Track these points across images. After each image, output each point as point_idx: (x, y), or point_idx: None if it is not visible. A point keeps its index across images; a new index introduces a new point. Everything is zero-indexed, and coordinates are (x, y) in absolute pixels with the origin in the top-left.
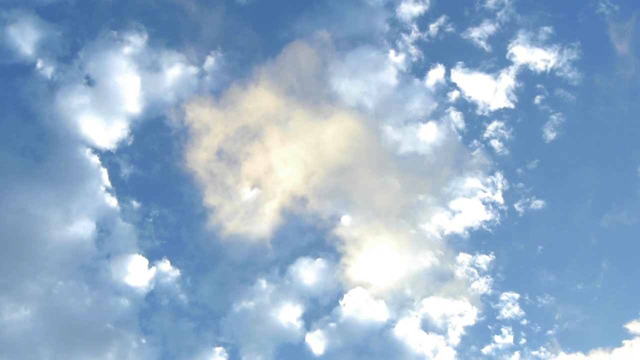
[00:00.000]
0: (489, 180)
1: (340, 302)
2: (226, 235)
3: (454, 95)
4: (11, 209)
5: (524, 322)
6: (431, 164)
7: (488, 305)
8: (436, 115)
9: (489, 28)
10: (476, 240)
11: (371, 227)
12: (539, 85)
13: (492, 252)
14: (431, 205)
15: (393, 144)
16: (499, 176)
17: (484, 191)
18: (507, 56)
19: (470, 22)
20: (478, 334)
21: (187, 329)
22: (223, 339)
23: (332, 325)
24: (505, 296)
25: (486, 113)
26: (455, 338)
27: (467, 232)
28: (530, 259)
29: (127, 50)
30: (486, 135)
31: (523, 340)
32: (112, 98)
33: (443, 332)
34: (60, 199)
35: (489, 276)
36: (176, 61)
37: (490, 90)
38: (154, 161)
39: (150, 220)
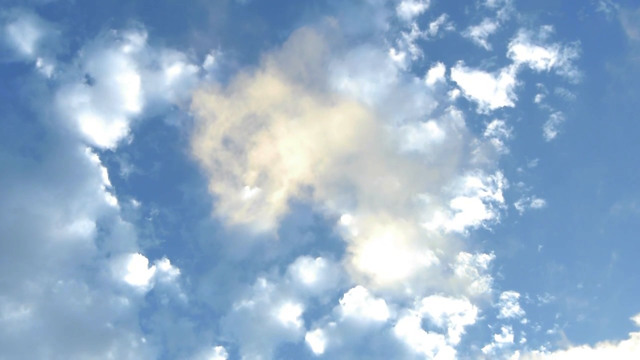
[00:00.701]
0: (489, 179)
1: (340, 301)
2: (231, 226)
3: (454, 94)
4: (11, 208)
5: (524, 321)
6: (431, 163)
7: (488, 304)
8: (436, 114)
9: (489, 27)
10: (476, 239)
11: (371, 226)
12: (539, 84)
13: (493, 251)
14: (431, 204)
15: (393, 142)
16: (499, 175)
17: (485, 190)
18: (508, 55)
19: (470, 21)
20: (478, 333)
21: (187, 328)
22: (223, 338)
23: (332, 324)
24: (505, 295)
25: (486, 112)
26: (455, 337)
27: (467, 231)
28: (530, 258)
29: (127, 49)
30: (486, 134)
31: (523, 340)
32: (112, 97)
33: (443, 331)
34: (60, 198)
35: (489, 275)
36: (176, 60)
37: (490, 89)
38: (154, 160)
39: (150, 219)
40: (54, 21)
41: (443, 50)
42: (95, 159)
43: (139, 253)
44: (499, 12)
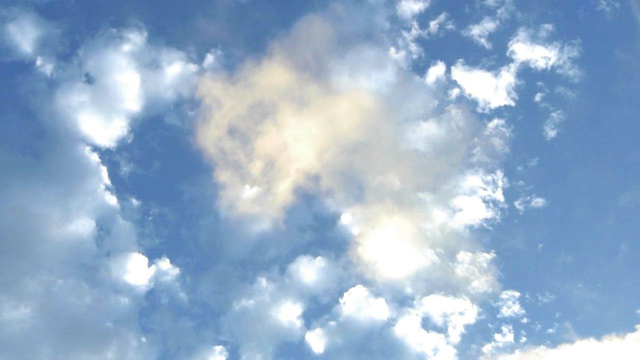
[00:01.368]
0: (489, 178)
1: (340, 301)
2: (236, 216)
3: (454, 92)
4: (10, 207)
5: (525, 320)
6: (431, 162)
7: (488, 303)
8: (436, 113)
9: (489, 25)
10: (477, 238)
11: (371, 225)
12: (539, 83)
13: (493, 251)
14: (431, 202)
15: (393, 141)
16: (499, 174)
17: (485, 189)
18: (508, 53)
19: (470, 20)
20: (478, 333)
21: (186, 328)
22: (223, 338)
23: (332, 323)
24: (505, 294)
25: (487, 111)
26: (455, 336)
27: (467, 230)
28: (530, 257)
29: (126, 47)
30: (486, 132)
31: (523, 339)
32: (111, 96)
33: (443, 330)
34: (59, 197)
35: (489, 274)
36: (176, 59)
37: (490, 88)
38: (153, 159)
39: (150, 218)
40: (53, 20)
41: (443, 49)
42: (95, 158)
43: (138, 252)
44: (499, 11)
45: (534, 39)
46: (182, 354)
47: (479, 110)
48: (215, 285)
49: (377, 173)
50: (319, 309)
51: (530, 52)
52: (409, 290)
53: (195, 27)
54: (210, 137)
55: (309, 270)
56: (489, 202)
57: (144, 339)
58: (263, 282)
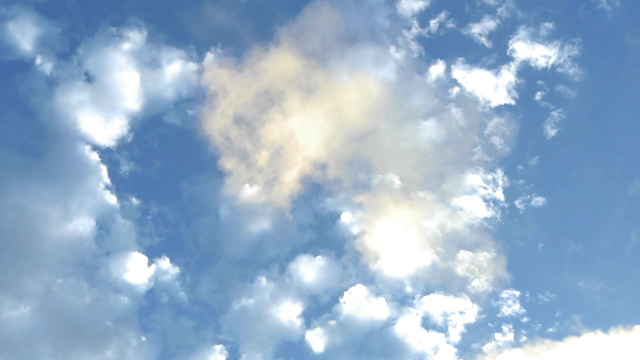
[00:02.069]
0: (489, 177)
1: (341, 300)
2: (242, 205)
3: (454, 91)
4: (10, 206)
5: (525, 319)
6: (431, 161)
7: (488, 302)
8: (437, 112)
9: (489, 24)
10: (477, 237)
11: (371, 224)
12: (539, 82)
13: (493, 250)
14: (432, 201)
15: (393, 140)
16: (499, 173)
17: (485, 188)
18: (508, 52)
19: (470, 18)
20: (479, 332)
21: (186, 327)
22: (223, 337)
23: (332, 323)
24: (505, 294)
25: (487, 109)
26: (455, 336)
27: (467, 229)
28: (530, 256)
29: (126, 46)
30: (487, 131)
31: (524, 338)
32: (111, 95)
33: (443, 329)
34: (59, 196)
35: (489, 273)
36: (176, 57)
37: (491, 87)
38: (153, 158)
39: (150, 217)
40: (53, 19)
41: (443, 48)
42: (94, 156)
43: (138, 251)
44: (499, 10)
45: (535, 37)
46: (182, 353)
47: (480, 109)
48: (215, 284)
49: (377, 172)
50: (319, 308)
51: (531, 50)
52: (409, 289)
53: (197, 22)
54: (215, 125)
55: (309, 269)
56: (489, 201)
57: (143, 338)
58: (263, 281)
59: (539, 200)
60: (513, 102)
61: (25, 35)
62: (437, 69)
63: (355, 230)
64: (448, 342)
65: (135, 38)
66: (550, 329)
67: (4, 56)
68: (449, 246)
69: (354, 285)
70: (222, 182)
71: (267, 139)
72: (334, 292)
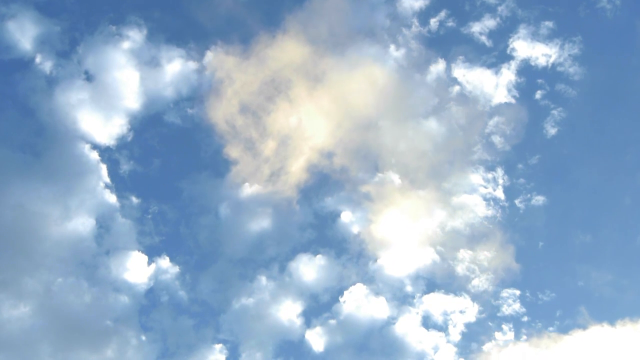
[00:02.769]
0: (489, 176)
1: (341, 299)
2: (244, 200)
3: (454, 90)
4: (10, 205)
5: (525, 318)
6: (431, 160)
7: (489, 301)
8: (437, 111)
9: (489, 23)
10: (477, 236)
11: (371, 224)
12: (540, 80)
13: (493, 249)
14: (432, 200)
15: (393, 138)
16: (500, 172)
17: (485, 187)
18: (508, 51)
19: (471, 17)
20: (479, 331)
21: (186, 326)
22: (223, 336)
23: (332, 322)
24: (506, 293)
25: (487, 108)
26: (455, 335)
27: (468, 228)
28: (531, 255)
29: (126, 45)
30: (487, 130)
31: (524, 337)
32: (111, 93)
33: (444, 329)
34: (59, 195)
35: (489, 273)
36: (176, 56)
37: (491, 85)
38: (153, 157)
39: (150, 216)
40: (53, 17)
41: (443, 46)
42: (94, 155)
43: (138, 250)
44: (499, 8)
45: (535, 36)
46: (182, 352)
47: (480, 107)
48: (215, 283)
49: (377, 171)
50: (319, 307)
51: (531, 49)
52: (409, 288)
53: (203, 10)
54: (221, 114)
55: (309, 269)
56: (489, 200)
57: (143, 338)
58: (263, 280)
59: (539, 199)
60: (513, 101)
61: (24, 34)
62: (437, 68)
63: (355, 229)
64: (448, 342)
65: (135, 37)
66: (551, 328)
67: (3, 55)
68: (449, 245)
69: (354, 284)
70: (222, 180)
71: (273, 127)
72: (334, 291)
